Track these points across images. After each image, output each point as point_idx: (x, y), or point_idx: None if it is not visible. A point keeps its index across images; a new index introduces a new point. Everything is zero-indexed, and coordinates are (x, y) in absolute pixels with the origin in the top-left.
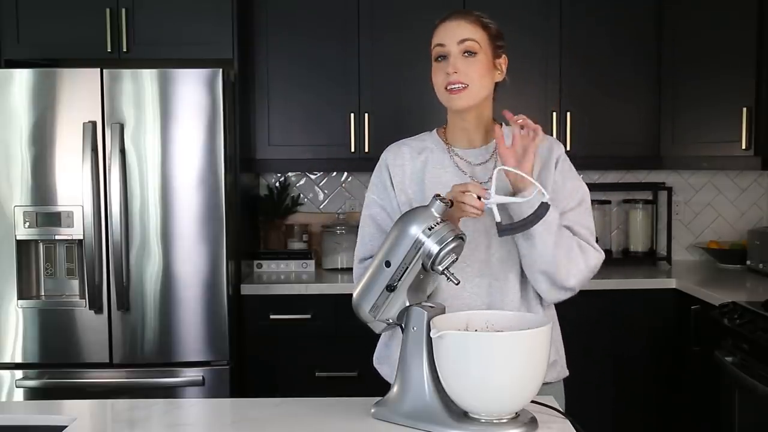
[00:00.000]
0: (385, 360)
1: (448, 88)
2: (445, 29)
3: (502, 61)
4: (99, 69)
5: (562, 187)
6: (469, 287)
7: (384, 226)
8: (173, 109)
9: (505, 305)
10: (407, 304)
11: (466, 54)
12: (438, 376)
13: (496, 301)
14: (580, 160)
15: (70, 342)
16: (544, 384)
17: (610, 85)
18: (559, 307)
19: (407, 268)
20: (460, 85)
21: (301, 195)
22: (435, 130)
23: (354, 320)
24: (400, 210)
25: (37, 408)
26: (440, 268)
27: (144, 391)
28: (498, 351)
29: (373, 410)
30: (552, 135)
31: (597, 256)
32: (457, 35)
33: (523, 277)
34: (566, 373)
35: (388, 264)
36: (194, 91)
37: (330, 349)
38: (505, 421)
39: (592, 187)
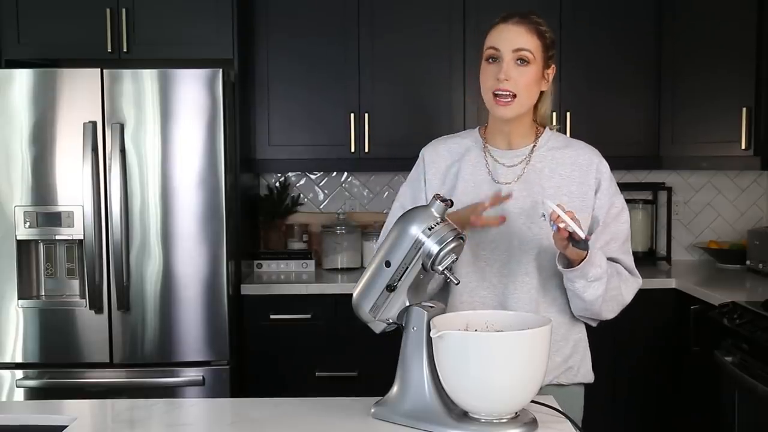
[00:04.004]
0: None
1: (496, 94)
2: (502, 33)
3: (551, 71)
4: (99, 69)
5: (608, 213)
6: (487, 285)
7: None
8: (173, 109)
9: (520, 307)
10: (407, 304)
11: (518, 62)
12: (438, 376)
13: (512, 302)
14: None
15: (71, 342)
16: (560, 386)
17: (610, 85)
18: None
19: (407, 268)
20: (507, 94)
21: (301, 195)
22: (477, 128)
23: (354, 320)
24: None
25: (37, 408)
26: (440, 268)
27: (144, 391)
28: (498, 351)
29: (373, 410)
30: None
31: (636, 285)
32: (513, 42)
33: (540, 280)
34: (588, 378)
35: (388, 264)
36: (194, 91)
37: (330, 349)
38: (505, 421)
39: None
